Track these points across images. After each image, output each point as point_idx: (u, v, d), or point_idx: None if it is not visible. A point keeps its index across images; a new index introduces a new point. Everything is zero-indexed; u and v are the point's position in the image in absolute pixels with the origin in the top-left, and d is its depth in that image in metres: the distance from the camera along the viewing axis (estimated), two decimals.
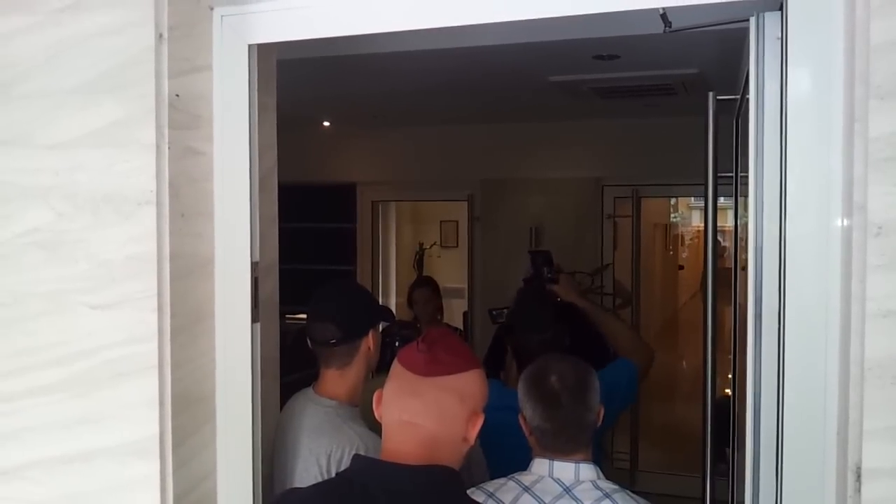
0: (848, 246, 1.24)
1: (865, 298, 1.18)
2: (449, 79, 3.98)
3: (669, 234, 11.27)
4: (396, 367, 1.36)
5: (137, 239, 1.55)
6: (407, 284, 4.62)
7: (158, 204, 1.54)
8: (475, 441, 1.35)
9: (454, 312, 6.35)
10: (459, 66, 3.62)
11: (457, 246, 7.68)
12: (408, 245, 7.95)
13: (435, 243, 8.23)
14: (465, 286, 6.08)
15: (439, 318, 4.27)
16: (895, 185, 1.16)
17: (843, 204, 1.27)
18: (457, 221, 7.58)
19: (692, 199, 10.63)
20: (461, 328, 4.70)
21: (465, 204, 5.97)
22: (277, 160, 1.90)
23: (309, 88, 3.67)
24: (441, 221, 8.20)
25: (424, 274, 6.89)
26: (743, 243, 1.79)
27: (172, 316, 1.55)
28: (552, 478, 1.78)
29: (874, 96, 1.17)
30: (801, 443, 1.32)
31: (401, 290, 6.27)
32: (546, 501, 1.75)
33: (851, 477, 1.19)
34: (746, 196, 1.49)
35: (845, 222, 1.27)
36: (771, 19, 1.39)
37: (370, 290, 6.15)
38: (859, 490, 1.18)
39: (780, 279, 1.36)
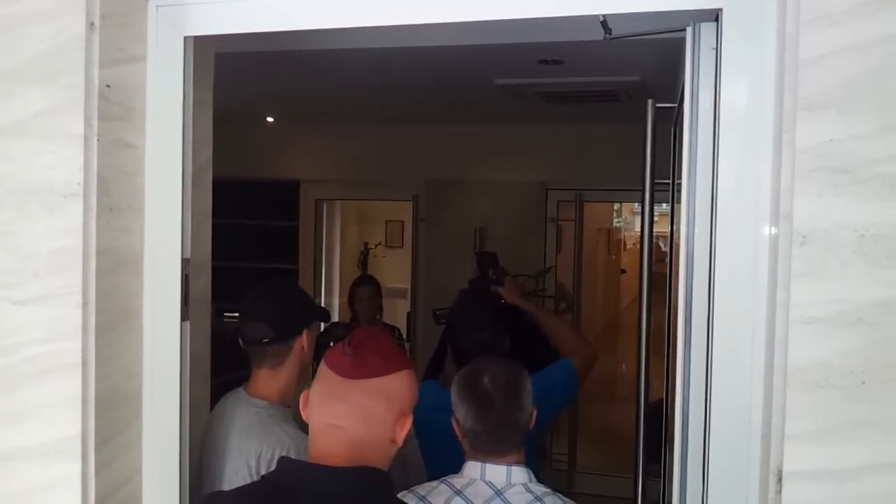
0: (774, 254, 1.27)
1: (790, 305, 1.20)
2: (396, 78, 3.96)
3: (612, 238, 11.44)
4: (323, 368, 1.34)
5: (63, 233, 1.50)
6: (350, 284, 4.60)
7: (86, 197, 1.49)
8: (411, 442, 1.34)
9: (398, 313, 6.33)
10: (406, 65, 3.61)
11: (402, 246, 7.66)
12: (353, 244, 7.89)
13: (380, 243, 8.19)
14: (409, 286, 6.07)
15: (378, 317, 4.27)
16: (820, 196, 1.19)
17: (771, 212, 1.30)
18: (402, 222, 7.56)
19: (636, 204, 10.77)
20: (398, 327, 4.70)
21: (411, 204, 5.96)
22: (218, 155, 1.85)
23: (253, 83, 3.61)
24: (387, 221, 8.16)
25: (368, 273, 6.86)
26: (677, 249, 1.82)
27: (98, 312, 1.51)
28: (484, 481, 1.78)
29: (802, 108, 1.20)
30: (727, 446, 1.35)
31: (344, 290, 6.20)
32: None
33: (773, 479, 1.22)
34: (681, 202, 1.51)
35: (772, 230, 1.30)
36: (706, 30, 1.42)
37: (312, 289, 6.13)
38: (780, 492, 1.20)
39: (710, 285, 1.38)
